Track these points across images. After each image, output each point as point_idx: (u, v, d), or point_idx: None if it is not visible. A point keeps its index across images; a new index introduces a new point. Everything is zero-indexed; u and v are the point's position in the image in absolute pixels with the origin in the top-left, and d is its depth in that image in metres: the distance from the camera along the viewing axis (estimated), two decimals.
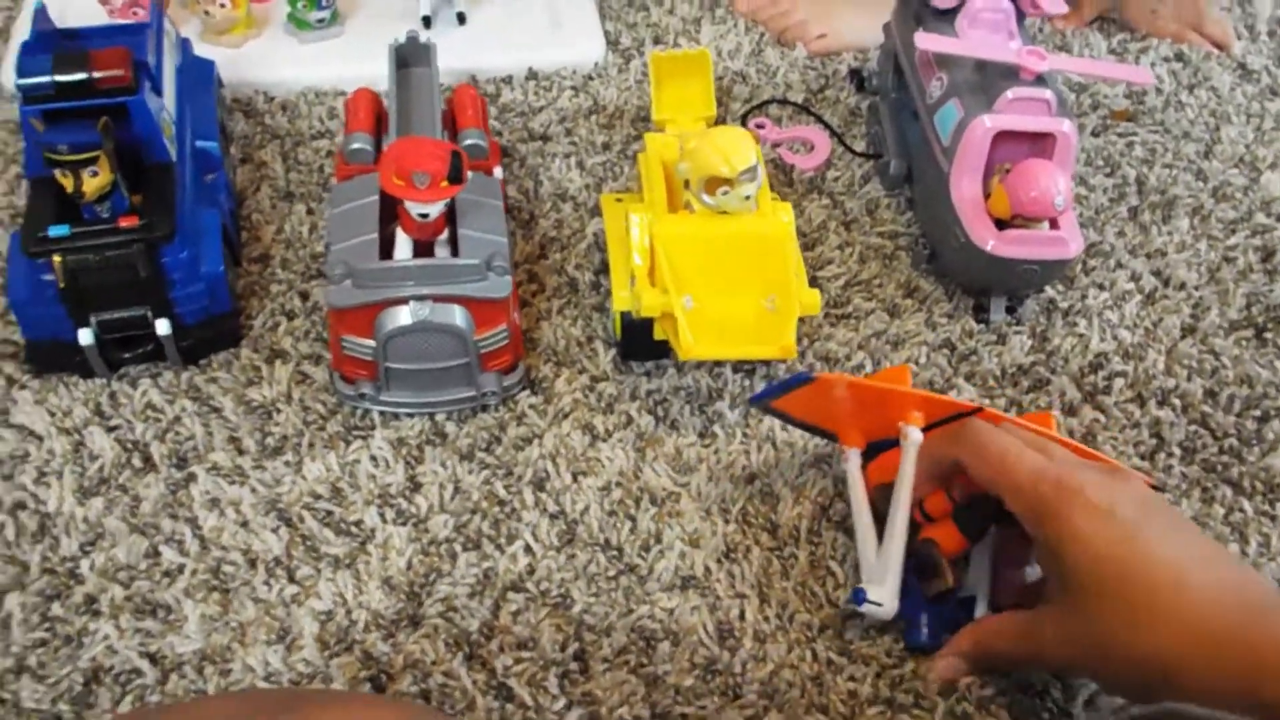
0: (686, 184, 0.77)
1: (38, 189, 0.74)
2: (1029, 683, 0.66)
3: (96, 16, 1.00)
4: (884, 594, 0.65)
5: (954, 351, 0.84)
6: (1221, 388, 0.82)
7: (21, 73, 0.73)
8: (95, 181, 0.71)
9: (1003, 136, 0.82)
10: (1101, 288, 0.89)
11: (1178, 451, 0.78)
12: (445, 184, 0.70)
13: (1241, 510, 0.75)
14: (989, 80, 0.84)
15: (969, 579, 0.68)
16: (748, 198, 0.75)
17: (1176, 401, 0.81)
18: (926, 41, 0.86)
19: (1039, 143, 0.83)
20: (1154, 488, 0.66)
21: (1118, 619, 0.57)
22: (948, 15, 0.89)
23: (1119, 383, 0.82)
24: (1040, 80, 0.83)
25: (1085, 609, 0.58)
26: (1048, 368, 0.83)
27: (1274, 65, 1.11)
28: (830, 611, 0.69)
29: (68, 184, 0.71)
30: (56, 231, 0.71)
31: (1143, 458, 0.78)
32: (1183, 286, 0.89)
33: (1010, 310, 0.86)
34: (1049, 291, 0.88)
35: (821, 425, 0.74)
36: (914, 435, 0.68)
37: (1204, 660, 0.55)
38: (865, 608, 0.65)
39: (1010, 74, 0.83)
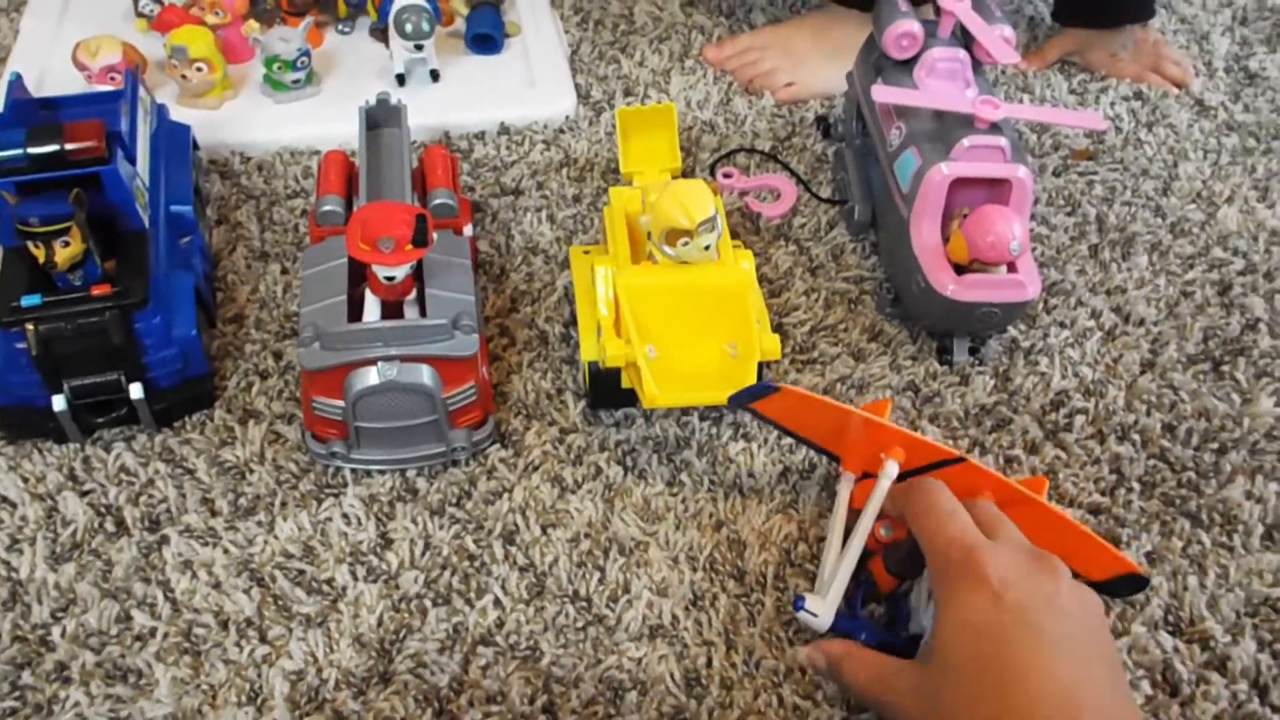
0: (649, 236, 0.78)
1: (10, 258, 0.76)
2: None
3: (75, 82, 1.02)
4: (822, 607, 0.68)
5: (918, 394, 0.85)
6: (1180, 421, 0.83)
7: None
8: (67, 251, 0.73)
9: (960, 183, 0.84)
10: (1063, 325, 0.90)
11: (1137, 486, 0.79)
12: (410, 248, 0.72)
13: (1200, 543, 0.76)
14: (945, 129, 0.86)
15: (917, 618, 0.69)
16: (707, 248, 0.77)
17: (1136, 437, 0.82)
18: (883, 94, 0.88)
19: (996, 188, 0.84)
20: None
21: (963, 696, 0.57)
22: (906, 65, 0.91)
23: (1080, 420, 0.83)
24: (995, 128, 0.85)
25: (943, 675, 0.59)
26: (1010, 407, 0.84)
27: (1230, 101, 1.13)
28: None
29: (40, 255, 0.72)
30: (29, 301, 0.72)
31: (1103, 494, 0.79)
32: (1142, 322, 0.90)
33: (973, 351, 0.87)
34: (1011, 331, 0.89)
35: (824, 445, 0.77)
36: (889, 468, 0.72)
37: None
38: (801, 615, 0.68)
39: (966, 122, 0.85)
